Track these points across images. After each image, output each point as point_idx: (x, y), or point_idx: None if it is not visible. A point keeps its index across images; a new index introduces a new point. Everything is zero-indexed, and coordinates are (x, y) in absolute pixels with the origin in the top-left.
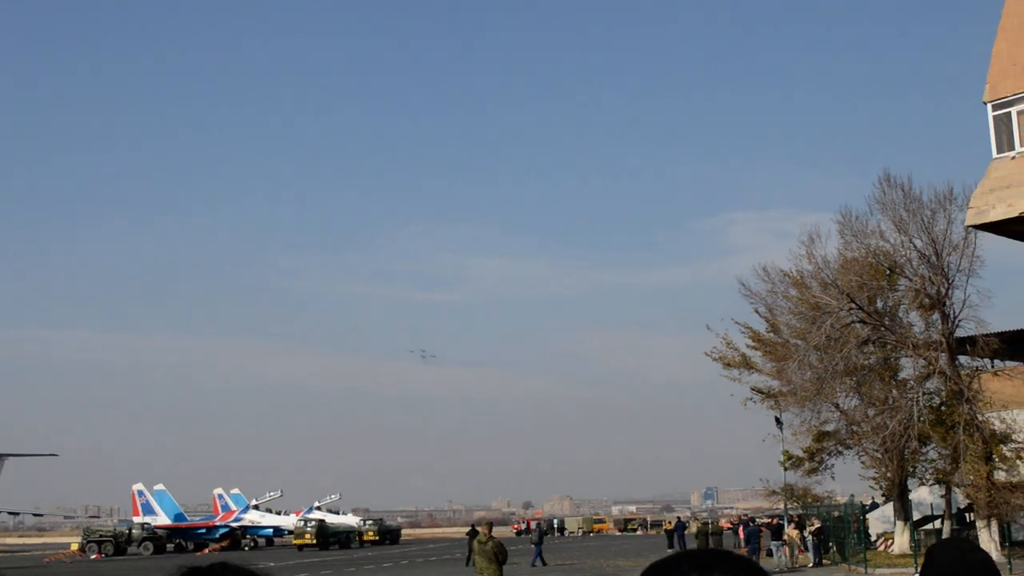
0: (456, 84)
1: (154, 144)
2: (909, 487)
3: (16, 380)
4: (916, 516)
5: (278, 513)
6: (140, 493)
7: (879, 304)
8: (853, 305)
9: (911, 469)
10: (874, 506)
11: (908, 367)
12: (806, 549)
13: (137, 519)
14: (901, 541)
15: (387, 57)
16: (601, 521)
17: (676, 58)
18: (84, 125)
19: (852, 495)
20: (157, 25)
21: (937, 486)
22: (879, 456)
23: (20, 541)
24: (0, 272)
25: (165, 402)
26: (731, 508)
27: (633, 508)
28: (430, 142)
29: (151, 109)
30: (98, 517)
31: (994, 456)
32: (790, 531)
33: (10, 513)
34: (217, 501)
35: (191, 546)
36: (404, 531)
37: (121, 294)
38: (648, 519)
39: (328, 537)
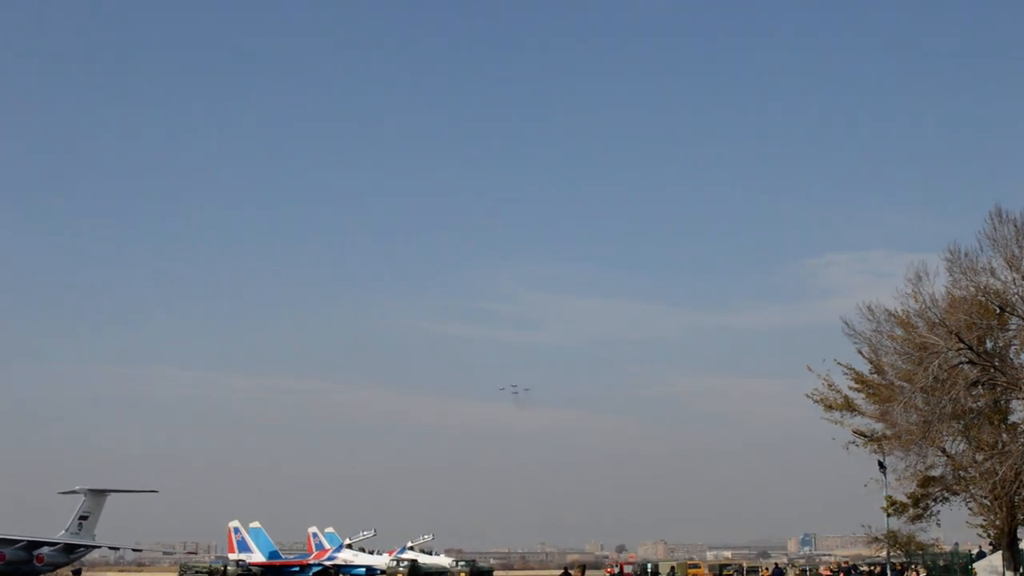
0: (541, 126)
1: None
2: (1019, 536)
3: (119, 417)
4: None
5: (371, 552)
6: (236, 530)
7: (988, 344)
8: (962, 345)
9: (1022, 517)
10: (981, 555)
11: (1020, 410)
12: None
13: (233, 556)
14: None
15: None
16: (696, 566)
17: (771, 97)
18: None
19: (956, 543)
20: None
21: None
22: (987, 503)
23: (120, 575)
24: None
25: (263, 439)
26: (829, 555)
27: (728, 554)
28: (516, 179)
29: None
30: (195, 553)
31: None
32: None
33: (111, 548)
34: (311, 539)
35: None
36: (496, 572)
37: (223, 333)
38: (744, 565)
39: None
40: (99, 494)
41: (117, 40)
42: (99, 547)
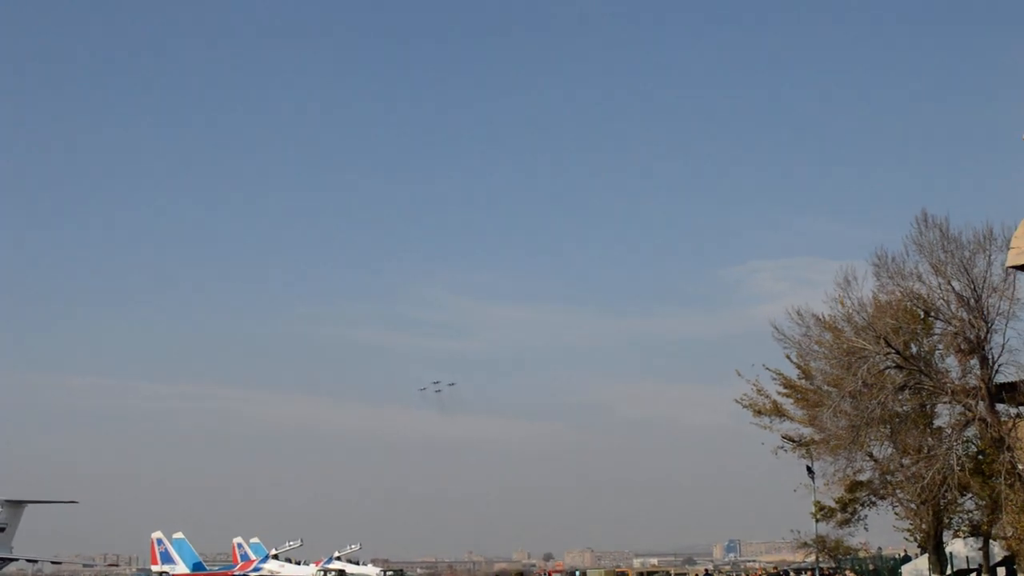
0: (476, 135)
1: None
2: (945, 539)
3: (36, 426)
4: (951, 569)
5: (298, 563)
6: (159, 541)
7: (914, 349)
8: (889, 349)
9: (947, 520)
10: (907, 559)
11: (945, 414)
12: None
13: (156, 568)
14: None
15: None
16: (623, 574)
17: (694, 110)
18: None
19: (879, 548)
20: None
21: (974, 538)
22: (914, 507)
23: None
24: (31, 319)
25: (186, 449)
26: (754, 561)
27: (655, 560)
28: (447, 193)
29: None
30: (117, 566)
31: None
32: None
33: (29, 560)
34: (237, 550)
35: None
36: None
37: (142, 343)
38: (671, 572)
39: None
40: (16, 505)
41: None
42: (16, 560)
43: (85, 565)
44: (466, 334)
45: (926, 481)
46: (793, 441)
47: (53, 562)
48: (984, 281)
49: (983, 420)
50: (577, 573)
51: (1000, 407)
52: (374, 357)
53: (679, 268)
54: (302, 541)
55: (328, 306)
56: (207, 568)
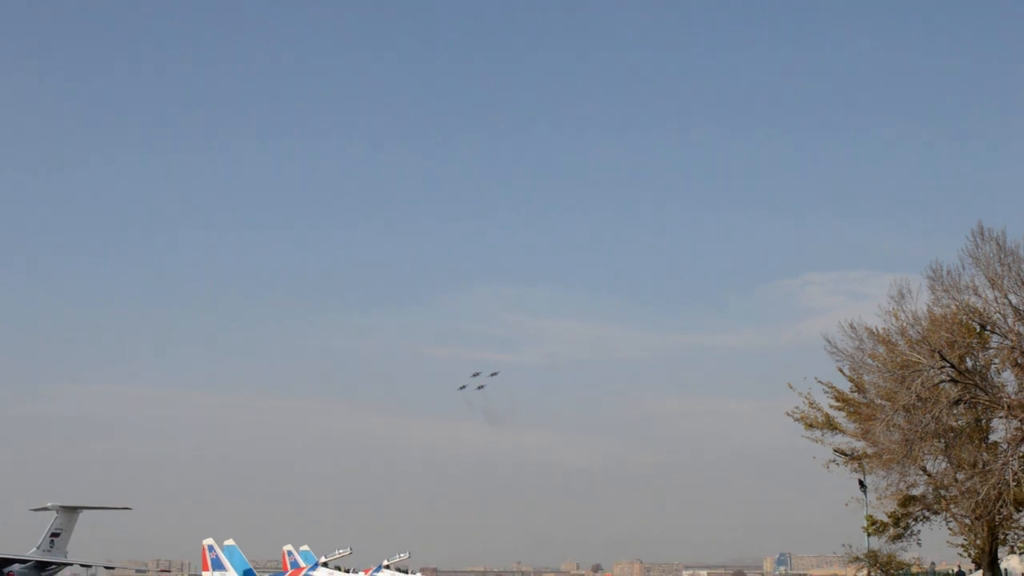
0: (519, 148)
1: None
2: (1000, 555)
3: (92, 436)
4: None
5: (347, 571)
6: (210, 548)
7: (970, 363)
8: (944, 363)
9: (1002, 536)
10: (961, 575)
11: (1001, 429)
12: None
13: (206, 574)
14: None
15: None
16: None
17: (749, 119)
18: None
19: (932, 563)
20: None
21: None
22: (968, 522)
23: None
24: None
25: (240, 457)
26: (805, 574)
27: (704, 573)
28: (494, 201)
29: None
30: (168, 571)
31: None
32: None
33: (82, 565)
34: (286, 557)
35: None
36: None
37: (187, 352)
38: None
39: None
40: (71, 511)
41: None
42: (71, 564)
43: (138, 571)
44: (516, 347)
45: (981, 496)
46: (845, 455)
47: (106, 567)
48: None
49: None
50: None
51: None
52: (423, 368)
53: (730, 281)
54: (351, 549)
55: (377, 317)
56: (257, 575)
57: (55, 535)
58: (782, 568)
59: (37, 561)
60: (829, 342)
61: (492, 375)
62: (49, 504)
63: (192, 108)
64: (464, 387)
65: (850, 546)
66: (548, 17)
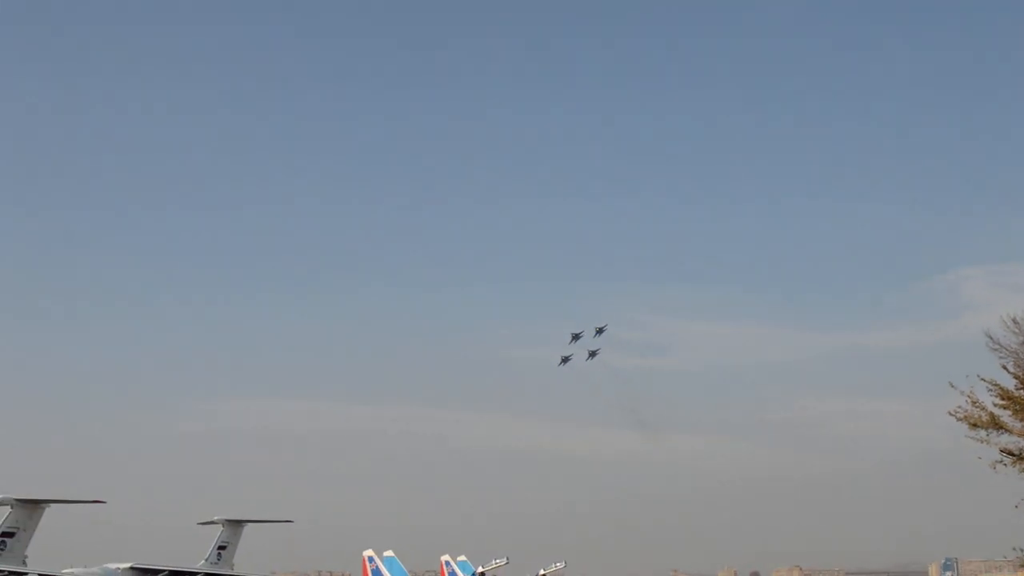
0: (659, 149)
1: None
2: None
3: (255, 450)
4: None
5: None
6: (371, 559)
7: None
8: None
9: None
10: None
11: None
12: None
13: None
14: None
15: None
16: None
17: (897, 107)
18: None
19: None
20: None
21: None
22: None
23: None
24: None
25: (398, 470)
26: None
27: None
28: (637, 201)
29: None
30: None
31: None
32: None
33: None
34: (444, 568)
35: None
36: None
37: (356, 369)
38: None
39: None
40: (236, 524)
41: None
42: None
43: None
44: (665, 351)
45: None
46: (1013, 455)
47: None
48: None
49: None
50: None
51: None
52: (566, 377)
53: (883, 277)
54: (508, 559)
55: (522, 327)
56: None
57: (222, 548)
58: (949, 573)
59: (206, 573)
60: (991, 338)
61: (599, 332)
62: (216, 518)
63: None
64: (568, 358)
65: (1021, 550)
66: None
